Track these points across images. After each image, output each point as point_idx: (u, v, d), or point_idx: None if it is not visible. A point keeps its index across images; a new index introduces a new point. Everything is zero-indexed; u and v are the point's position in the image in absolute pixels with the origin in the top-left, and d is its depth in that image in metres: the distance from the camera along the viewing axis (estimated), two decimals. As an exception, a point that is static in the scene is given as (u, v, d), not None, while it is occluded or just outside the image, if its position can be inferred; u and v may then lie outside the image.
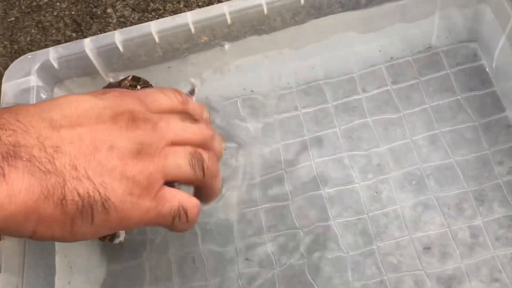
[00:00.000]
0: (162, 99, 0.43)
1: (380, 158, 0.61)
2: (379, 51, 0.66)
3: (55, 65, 0.58)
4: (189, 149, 0.40)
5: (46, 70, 0.58)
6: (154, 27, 0.58)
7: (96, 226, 0.35)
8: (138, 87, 0.58)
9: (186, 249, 0.59)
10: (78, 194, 0.33)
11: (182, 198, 0.39)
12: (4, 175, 0.31)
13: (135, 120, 0.38)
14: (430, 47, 0.66)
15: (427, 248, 0.56)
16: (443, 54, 0.65)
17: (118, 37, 0.58)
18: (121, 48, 0.58)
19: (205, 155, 0.41)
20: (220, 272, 0.58)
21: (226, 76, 0.66)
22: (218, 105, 0.67)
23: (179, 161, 0.39)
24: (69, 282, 0.54)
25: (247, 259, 0.58)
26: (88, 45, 0.58)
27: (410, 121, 0.63)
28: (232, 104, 0.67)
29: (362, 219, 0.59)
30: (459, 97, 0.63)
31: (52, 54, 0.58)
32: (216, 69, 0.66)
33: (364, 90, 0.65)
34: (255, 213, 0.60)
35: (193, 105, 0.45)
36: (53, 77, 0.59)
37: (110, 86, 0.59)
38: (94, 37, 0.59)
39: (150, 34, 0.58)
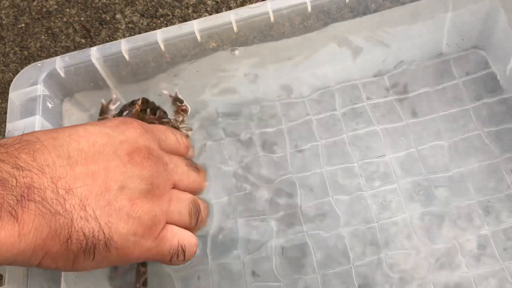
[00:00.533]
0: (171, 139, 0.47)
1: (387, 167, 0.60)
2: (384, 60, 0.65)
3: (62, 74, 0.58)
4: (190, 198, 0.43)
5: (52, 79, 0.58)
6: (161, 36, 0.58)
7: (97, 261, 0.37)
8: (148, 110, 0.58)
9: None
10: (84, 234, 0.35)
11: (182, 237, 0.42)
12: (17, 218, 0.32)
13: (150, 158, 0.40)
14: (440, 54, 0.65)
15: (437, 259, 0.55)
16: (453, 61, 0.64)
17: (124, 45, 0.58)
18: (127, 57, 0.58)
19: (202, 205, 0.45)
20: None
21: (234, 84, 0.66)
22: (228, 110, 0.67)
23: (180, 208, 0.42)
24: (74, 291, 0.54)
25: (254, 273, 0.58)
26: (95, 54, 0.58)
27: (416, 131, 0.62)
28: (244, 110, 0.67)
29: (371, 228, 0.58)
30: (468, 106, 0.62)
31: (59, 63, 0.58)
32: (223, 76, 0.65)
33: (368, 98, 0.64)
34: (263, 221, 0.60)
35: (191, 151, 0.51)
36: (60, 86, 0.60)
37: (124, 108, 0.59)
38: (100, 46, 0.59)
39: (156, 43, 0.58)
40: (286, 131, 0.65)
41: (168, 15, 0.83)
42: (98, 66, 0.58)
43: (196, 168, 0.47)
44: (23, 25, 0.85)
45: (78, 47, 0.81)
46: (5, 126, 0.55)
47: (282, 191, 0.61)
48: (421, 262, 0.55)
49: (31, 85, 0.57)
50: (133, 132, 0.41)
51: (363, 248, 0.57)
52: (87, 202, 0.35)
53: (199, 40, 0.59)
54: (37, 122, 0.55)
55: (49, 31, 0.84)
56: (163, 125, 0.55)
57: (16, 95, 0.57)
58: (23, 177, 0.34)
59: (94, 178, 0.36)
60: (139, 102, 0.58)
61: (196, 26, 0.58)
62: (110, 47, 0.58)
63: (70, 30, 0.84)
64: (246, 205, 0.60)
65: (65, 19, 0.85)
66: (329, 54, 0.65)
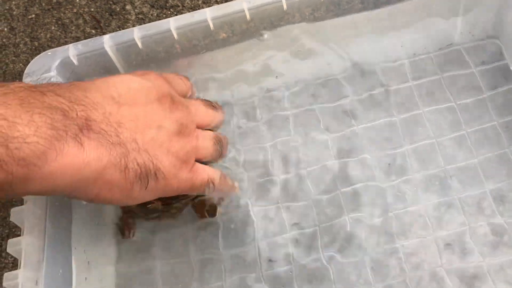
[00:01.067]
0: (181, 84, 0.53)
1: (404, 158, 0.60)
2: (401, 46, 0.64)
3: (75, 61, 0.58)
4: (212, 134, 0.50)
5: (65, 67, 0.58)
6: (173, 24, 0.58)
7: (148, 191, 0.41)
8: None
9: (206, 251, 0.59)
10: (138, 163, 0.40)
11: (210, 171, 0.48)
12: (82, 144, 0.36)
13: (175, 103, 0.46)
14: (451, 44, 0.64)
15: (448, 245, 0.55)
16: (465, 51, 0.64)
17: (137, 33, 0.58)
18: (140, 45, 0.58)
19: (223, 139, 0.52)
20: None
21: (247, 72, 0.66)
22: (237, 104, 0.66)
23: (206, 144, 0.48)
24: (85, 278, 0.54)
25: (270, 260, 0.57)
26: (107, 41, 0.58)
27: (434, 120, 0.61)
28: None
29: (387, 218, 0.58)
30: (484, 95, 0.61)
31: (72, 51, 0.58)
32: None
33: (385, 88, 0.64)
34: (276, 212, 0.59)
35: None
36: (72, 73, 0.59)
37: None
38: (113, 33, 0.59)
39: (169, 31, 0.58)
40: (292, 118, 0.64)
41: (178, 6, 0.83)
42: (111, 53, 0.58)
43: (212, 106, 0.53)
44: (33, 15, 0.85)
45: (88, 37, 0.81)
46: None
47: (292, 182, 0.61)
48: (435, 252, 0.55)
49: (44, 72, 0.57)
50: (157, 80, 0.47)
51: (377, 237, 0.57)
52: (136, 136, 0.40)
53: (212, 28, 0.59)
54: (50, 109, 0.55)
55: (59, 22, 0.84)
56: None
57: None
58: (80, 111, 0.38)
59: (137, 117, 0.41)
60: None
61: (209, 14, 0.58)
62: (122, 35, 0.58)
63: (80, 21, 0.84)
64: (261, 193, 0.60)
65: (75, 10, 0.85)
66: (341, 44, 0.64)
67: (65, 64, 0.58)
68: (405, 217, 0.57)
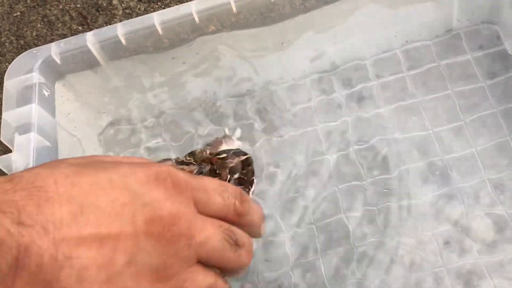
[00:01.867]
0: (217, 203, 0.36)
1: (399, 148, 0.58)
2: (395, 36, 0.62)
3: (58, 60, 0.56)
4: (212, 281, 0.34)
5: (48, 66, 0.56)
6: (157, 18, 0.56)
7: None
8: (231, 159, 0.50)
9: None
10: None
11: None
12: None
13: (171, 230, 0.32)
14: (450, 30, 0.62)
15: (447, 243, 0.53)
16: (464, 36, 0.62)
17: (120, 29, 0.56)
18: (123, 41, 0.56)
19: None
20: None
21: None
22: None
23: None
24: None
25: (266, 261, 0.56)
26: (91, 39, 0.56)
27: (431, 109, 0.59)
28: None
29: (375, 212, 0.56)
30: (483, 83, 0.59)
31: (54, 49, 0.56)
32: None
33: (378, 76, 0.62)
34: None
35: (251, 216, 0.36)
36: (56, 73, 0.58)
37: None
38: (96, 30, 0.57)
39: (153, 26, 0.56)
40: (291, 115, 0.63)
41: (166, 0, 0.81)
42: (94, 51, 0.56)
43: (237, 244, 0.35)
44: (18, 13, 0.83)
45: (75, 34, 0.79)
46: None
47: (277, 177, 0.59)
48: (432, 247, 0.53)
49: (26, 73, 0.55)
50: (162, 193, 0.33)
51: (370, 231, 0.55)
52: (86, 274, 0.30)
53: (197, 22, 0.57)
54: (34, 110, 0.53)
55: (45, 19, 0.82)
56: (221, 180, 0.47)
57: (11, 84, 0.55)
58: (22, 236, 0.29)
59: (101, 245, 0.30)
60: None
61: (194, 8, 0.56)
62: (106, 32, 0.56)
63: (67, 18, 0.82)
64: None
65: (61, 6, 0.83)
66: (332, 34, 0.62)
67: (48, 63, 0.56)
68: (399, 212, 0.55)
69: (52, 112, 0.56)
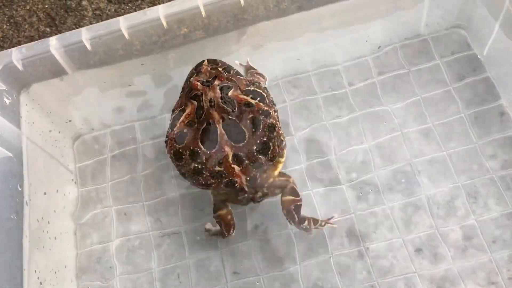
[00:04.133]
0: None
1: (367, 154, 0.58)
2: (366, 41, 0.62)
3: (19, 67, 0.55)
4: None
5: (9, 73, 0.54)
6: (124, 23, 0.54)
7: None
8: (220, 68, 0.54)
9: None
10: None
11: None
12: None
13: None
14: (418, 35, 0.62)
15: (418, 250, 0.53)
16: (433, 41, 0.62)
17: (85, 34, 0.54)
18: (88, 46, 0.55)
19: None
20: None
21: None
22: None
23: None
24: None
25: (235, 272, 0.56)
26: (54, 44, 0.54)
27: (400, 115, 0.59)
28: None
29: (349, 220, 0.56)
30: (450, 87, 0.59)
31: (15, 55, 0.54)
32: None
33: (350, 84, 0.62)
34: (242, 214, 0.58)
35: None
36: (20, 80, 0.56)
37: (191, 73, 0.55)
38: (60, 35, 0.55)
39: (119, 30, 0.54)
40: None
41: (137, 0, 0.79)
42: (59, 57, 0.55)
43: None
44: (-17, 14, 0.81)
45: (43, 36, 0.77)
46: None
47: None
48: (404, 254, 0.53)
49: (-15, 80, 0.53)
50: None
51: (340, 239, 0.55)
52: None
53: (165, 27, 0.55)
54: (-5, 120, 0.52)
55: (11, 20, 0.80)
56: (239, 79, 0.53)
57: (-30, 91, 0.53)
58: None
59: None
60: (205, 62, 0.54)
61: (162, 12, 0.55)
62: (70, 37, 0.55)
63: (34, 19, 0.79)
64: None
65: (28, 7, 0.80)
66: (305, 39, 0.62)
67: (9, 69, 0.54)
68: (370, 218, 0.55)
69: (16, 122, 0.54)
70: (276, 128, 0.52)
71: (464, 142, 0.57)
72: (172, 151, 0.52)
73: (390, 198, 0.56)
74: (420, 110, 0.59)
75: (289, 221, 0.53)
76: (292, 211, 0.53)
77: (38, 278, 0.51)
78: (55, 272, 0.54)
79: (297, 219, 0.53)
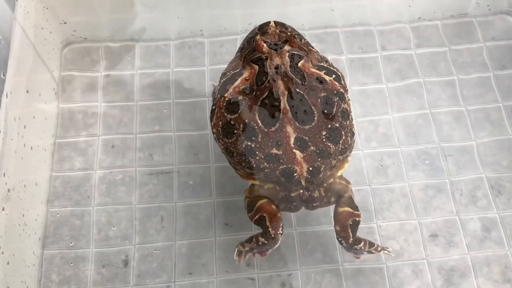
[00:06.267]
0: None
1: (390, 128, 0.53)
2: (410, 6, 0.57)
3: None
4: None
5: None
6: None
7: None
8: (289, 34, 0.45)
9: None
10: None
11: None
12: None
13: None
14: (465, 14, 0.58)
15: (434, 236, 0.49)
16: (478, 24, 0.58)
17: None
18: None
19: None
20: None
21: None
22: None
23: None
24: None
25: (226, 224, 0.49)
26: None
27: (432, 92, 0.55)
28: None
29: (363, 191, 0.51)
30: (491, 73, 0.56)
31: None
32: None
33: (383, 48, 0.57)
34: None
35: None
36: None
37: (255, 32, 0.45)
38: None
39: None
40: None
41: None
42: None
43: None
44: None
45: None
46: None
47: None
48: (417, 238, 0.49)
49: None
50: None
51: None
52: None
53: None
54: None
55: None
56: (311, 50, 0.44)
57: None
58: None
59: None
60: (272, 23, 0.45)
61: None
62: None
63: None
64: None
65: None
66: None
67: None
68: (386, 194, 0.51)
69: (11, 3, 0.45)
70: (350, 117, 0.43)
71: (496, 133, 0.53)
72: (220, 123, 0.43)
73: (411, 176, 0.51)
74: (455, 92, 0.55)
75: (340, 241, 0.44)
76: (348, 227, 0.43)
77: (6, 183, 0.43)
78: (25, 186, 0.46)
79: (351, 239, 0.43)
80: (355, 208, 0.44)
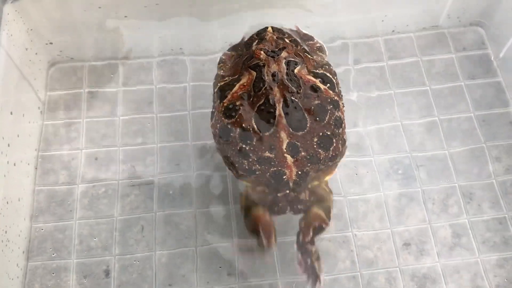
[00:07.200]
0: None
1: (365, 138, 0.55)
2: (382, 21, 0.59)
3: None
4: None
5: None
6: None
7: None
8: (286, 39, 0.47)
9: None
10: None
11: None
12: None
13: None
14: (436, 26, 0.60)
15: (406, 244, 0.50)
16: (449, 35, 0.59)
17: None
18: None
19: None
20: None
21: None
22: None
23: None
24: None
25: (208, 233, 0.51)
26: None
27: (404, 102, 0.57)
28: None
29: (338, 202, 0.52)
30: (462, 83, 0.57)
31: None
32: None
33: (356, 62, 0.59)
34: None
35: None
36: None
37: (252, 38, 0.47)
38: None
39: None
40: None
41: None
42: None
43: None
44: None
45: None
46: None
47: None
48: (390, 247, 0.50)
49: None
50: None
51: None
52: None
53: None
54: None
55: None
56: (307, 57, 0.46)
57: None
58: None
59: None
60: (269, 28, 0.47)
61: None
62: None
63: None
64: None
65: None
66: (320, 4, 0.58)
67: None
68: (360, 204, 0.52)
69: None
70: (343, 125, 0.44)
71: (469, 142, 0.54)
72: (218, 126, 0.45)
73: (385, 186, 0.52)
74: (428, 101, 0.56)
75: (298, 236, 0.45)
76: (312, 227, 0.45)
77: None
78: (7, 202, 0.48)
79: (309, 238, 0.45)
80: (328, 217, 0.45)
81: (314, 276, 0.45)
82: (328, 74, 0.45)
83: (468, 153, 0.54)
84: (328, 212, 0.45)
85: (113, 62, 0.60)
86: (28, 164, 0.53)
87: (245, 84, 0.45)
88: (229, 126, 0.44)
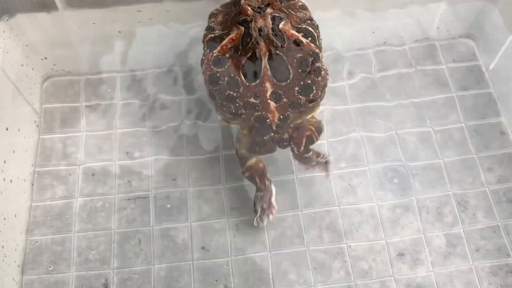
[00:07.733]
0: None
1: (360, 147, 0.56)
2: (373, 32, 0.59)
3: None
4: None
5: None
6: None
7: None
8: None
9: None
10: None
11: None
12: None
13: None
14: (427, 38, 0.61)
15: (401, 255, 0.51)
16: (440, 47, 0.60)
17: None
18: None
19: None
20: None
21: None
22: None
23: None
24: None
25: (203, 248, 0.51)
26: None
27: (398, 113, 0.57)
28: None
29: (332, 212, 0.53)
30: (453, 94, 0.58)
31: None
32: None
33: (350, 74, 0.59)
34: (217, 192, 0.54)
35: None
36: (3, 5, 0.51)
37: None
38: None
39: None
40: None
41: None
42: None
43: None
44: None
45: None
46: None
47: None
48: (385, 257, 0.51)
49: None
50: None
51: (318, 232, 0.52)
52: None
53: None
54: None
55: None
56: (291, 13, 0.49)
57: None
58: None
59: None
60: None
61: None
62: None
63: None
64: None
65: None
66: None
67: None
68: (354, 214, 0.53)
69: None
70: (322, 73, 0.49)
71: (460, 152, 0.55)
72: (208, 73, 0.49)
73: (379, 196, 0.53)
74: (420, 112, 0.57)
75: (292, 148, 0.50)
76: (304, 138, 0.50)
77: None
78: (4, 219, 0.48)
79: (303, 147, 0.50)
80: (319, 132, 0.51)
81: (323, 165, 0.51)
82: (310, 29, 0.49)
83: (461, 163, 0.54)
84: (319, 129, 0.51)
85: (109, 76, 0.60)
86: (24, 180, 0.53)
87: (234, 38, 0.48)
88: (218, 75, 0.48)
